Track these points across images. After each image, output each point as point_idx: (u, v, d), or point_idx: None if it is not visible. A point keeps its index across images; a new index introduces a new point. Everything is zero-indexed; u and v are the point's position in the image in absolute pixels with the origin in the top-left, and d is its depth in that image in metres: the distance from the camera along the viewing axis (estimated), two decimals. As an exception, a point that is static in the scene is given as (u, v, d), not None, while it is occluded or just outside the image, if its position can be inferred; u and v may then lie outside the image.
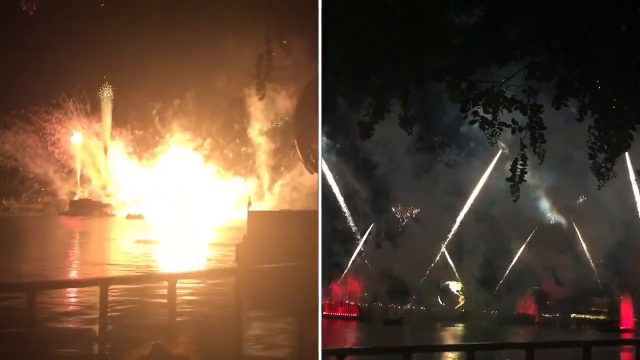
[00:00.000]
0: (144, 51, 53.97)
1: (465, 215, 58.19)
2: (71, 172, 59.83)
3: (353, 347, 44.09)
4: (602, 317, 55.52)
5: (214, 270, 36.61)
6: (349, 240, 59.61)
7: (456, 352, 28.90)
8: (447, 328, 54.74)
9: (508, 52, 11.91)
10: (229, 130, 56.79)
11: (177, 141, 58.52)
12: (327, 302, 54.95)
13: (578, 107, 13.64)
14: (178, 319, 16.58)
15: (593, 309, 56.36)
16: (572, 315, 56.41)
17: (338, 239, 58.58)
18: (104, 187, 59.86)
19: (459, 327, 54.90)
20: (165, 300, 15.30)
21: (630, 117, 13.07)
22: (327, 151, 56.37)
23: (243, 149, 57.09)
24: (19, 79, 56.93)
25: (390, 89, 12.51)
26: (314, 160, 36.13)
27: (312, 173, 37.31)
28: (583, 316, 56.28)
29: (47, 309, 21.75)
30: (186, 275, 28.07)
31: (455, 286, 58.83)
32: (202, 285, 26.96)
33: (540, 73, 12.77)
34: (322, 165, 57.19)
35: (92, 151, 60.49)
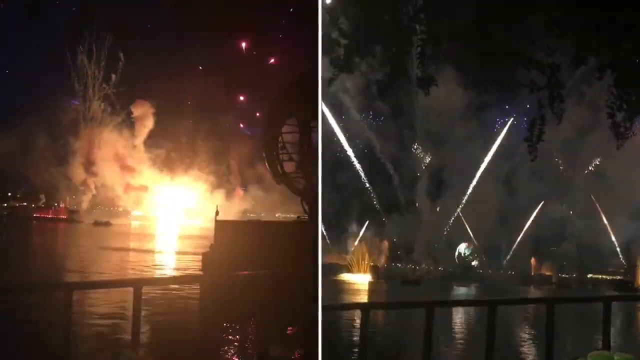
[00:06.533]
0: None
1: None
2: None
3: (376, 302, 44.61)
4: (618, 278, 55.63)
5: (181, 277, 35.98)
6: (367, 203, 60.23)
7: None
8: (465, 288, 55.18)
9: (525, 9, 11.81)
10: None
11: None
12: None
13: (597, 66, 13.49)
14: (143, 326, 16.10)
15: (610, 270, 56.46)
16: (589, 275, 56.55)
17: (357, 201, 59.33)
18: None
19: (476, 287, 55.31)
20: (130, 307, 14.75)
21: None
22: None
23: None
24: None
25: (406, 49, 12.49)
26: (281, 172, 35.90)
27: (279, 184, 37.07)
28: (599, 276, 56.41)
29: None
30: (153, 281, 27.36)
31: (471, 247, 59.12)
32: (168, 292, 26.12)
33: (559, 30, 12.64)
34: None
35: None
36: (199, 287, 17.46)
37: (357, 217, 59.15)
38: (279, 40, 50.37)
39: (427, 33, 12.38)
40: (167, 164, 59.54)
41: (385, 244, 58.38)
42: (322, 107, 56.25)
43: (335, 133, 58.12)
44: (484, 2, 12.14)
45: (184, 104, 57.50)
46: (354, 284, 53.54)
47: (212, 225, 35.58)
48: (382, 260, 58.22)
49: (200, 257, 36.02)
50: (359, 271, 56.52)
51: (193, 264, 38.71)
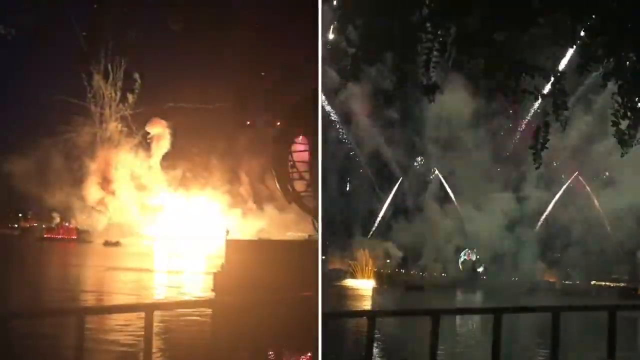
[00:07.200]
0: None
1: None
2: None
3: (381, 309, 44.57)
4: (622, 285, 55.47)
5: (193, 301, 34.64)
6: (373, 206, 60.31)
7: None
8: (469, 294, 55.07)
9: (532, 18, 11.84)
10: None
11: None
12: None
13: (601, 74, 13.48)
14: (155, 350, 15.83)
15: (613, 277, 56.31)
16: (593, 282, 56.40)
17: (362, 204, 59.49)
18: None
19: (481, 293, 55.21)
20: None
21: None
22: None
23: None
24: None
25: (412, 57, 12.52)
26: (291, 191, 35.63)
27: (289, 203, 36.89)
28: (603, 283, 56.25)
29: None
30: (165, 306, 26.41)
31: (474, 253, 59.03)
32: (180, 315, 25.70)
33: (564, 39, 12.66)
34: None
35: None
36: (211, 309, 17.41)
37: (363, 223, 59.21)
38: (286, 57, 50.52)
39: (432, 41, 12.41)
40: (183, 184, 59.49)
41: (390, 249, 58.31)
42: (331, 116, 56.46)
43: (343, 140, 58.29)
44: (490, 9, 12.17)
45: (199, 123, 57.55)
46: (357, 289, 53.46)
47: (224, 244, 35.64)
48: (386, 266, 58.15)
49: (212, 276, 36.06)
50: (363, 277, 56.44)
51: (205, 284, 38.62)
